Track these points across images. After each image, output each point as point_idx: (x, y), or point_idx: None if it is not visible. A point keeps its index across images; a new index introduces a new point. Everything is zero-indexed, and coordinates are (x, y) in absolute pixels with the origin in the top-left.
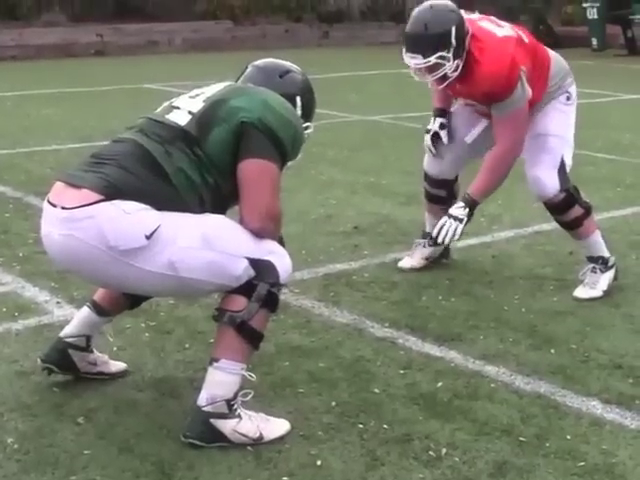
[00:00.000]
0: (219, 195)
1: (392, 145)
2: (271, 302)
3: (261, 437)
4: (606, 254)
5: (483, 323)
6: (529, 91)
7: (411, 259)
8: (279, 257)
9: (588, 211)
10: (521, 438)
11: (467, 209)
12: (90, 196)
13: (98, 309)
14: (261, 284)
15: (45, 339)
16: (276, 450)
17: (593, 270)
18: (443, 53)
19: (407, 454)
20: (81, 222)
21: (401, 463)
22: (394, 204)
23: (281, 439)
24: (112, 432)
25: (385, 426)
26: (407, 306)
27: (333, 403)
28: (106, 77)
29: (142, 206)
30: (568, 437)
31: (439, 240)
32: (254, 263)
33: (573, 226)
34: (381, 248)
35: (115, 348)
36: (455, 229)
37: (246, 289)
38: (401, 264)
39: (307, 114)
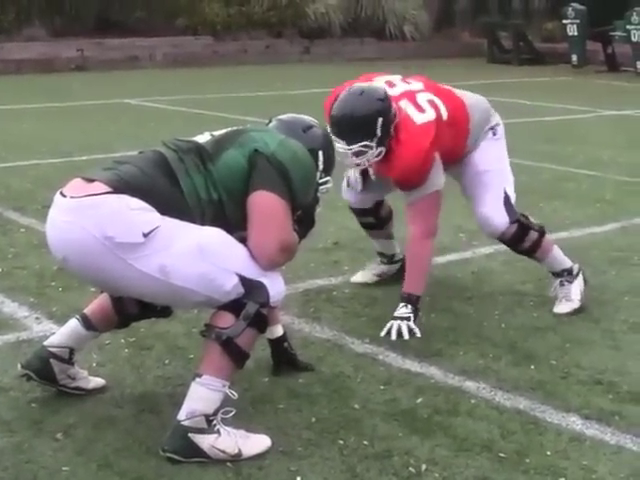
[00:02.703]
0: (221, 213)
1: None
2: (259, 322)
3: (240, 454)
4: (568, 265)
5: (463, 339)
6: (441, 177)
7: (363, 274)
8: (272, 279)
9: (542, 232)
10: (501, 454)
11: (409, 305)
12: (99, 187)
13: (87, 323)
14: (250, 303)
15: (24, 355)
16: (256, 466)
17: (561, 284)
18: (367, 142)
19: (387, 470)
20: (85, 210)
21: (381, 479)
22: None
23: (261, 455)
24: (91, 448)
25: (365, 442)
26: (387, 322)
27: (313, 419)
28: (87, 92)
29: (147, 206)
30: (548, 453)
31: (392, 339)
32: (245, 281)
33: (531, 251)
34: (361, 264)
35: (94, 364)
36: (403, 328)
37: (235, 307)
38: (353, 279)
39: (327, 168)
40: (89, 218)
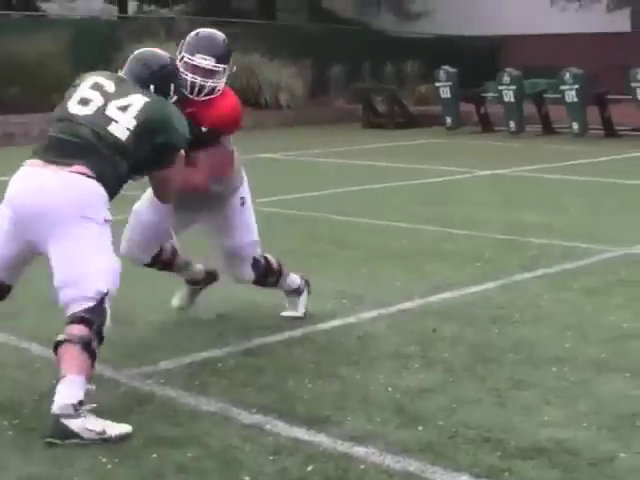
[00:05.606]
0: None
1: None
2: (101, 334)
3: (104, 432)
4: (296, 285)
5: (350, 404)
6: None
7: (179, 298)
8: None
9: (280, 271)
10: None
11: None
12: (85, 170)
13: None
14: (97, 316)
15: None
16: None
17: (291, 298)
18: (226, 66)
19: None
20: (76, 186)
21: None
22: (257, 289)
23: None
24: None
25: None
26: (274, 391)
27: None
28: None
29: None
30: None
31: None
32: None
33: (276, 283)
34: (245, 334)
35: None
36: None
37: (86, 321)
38: (173, 302)
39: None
40: (78, 196)
